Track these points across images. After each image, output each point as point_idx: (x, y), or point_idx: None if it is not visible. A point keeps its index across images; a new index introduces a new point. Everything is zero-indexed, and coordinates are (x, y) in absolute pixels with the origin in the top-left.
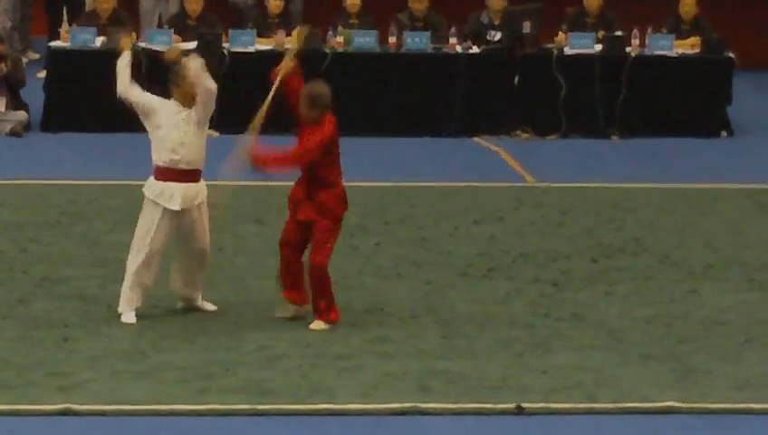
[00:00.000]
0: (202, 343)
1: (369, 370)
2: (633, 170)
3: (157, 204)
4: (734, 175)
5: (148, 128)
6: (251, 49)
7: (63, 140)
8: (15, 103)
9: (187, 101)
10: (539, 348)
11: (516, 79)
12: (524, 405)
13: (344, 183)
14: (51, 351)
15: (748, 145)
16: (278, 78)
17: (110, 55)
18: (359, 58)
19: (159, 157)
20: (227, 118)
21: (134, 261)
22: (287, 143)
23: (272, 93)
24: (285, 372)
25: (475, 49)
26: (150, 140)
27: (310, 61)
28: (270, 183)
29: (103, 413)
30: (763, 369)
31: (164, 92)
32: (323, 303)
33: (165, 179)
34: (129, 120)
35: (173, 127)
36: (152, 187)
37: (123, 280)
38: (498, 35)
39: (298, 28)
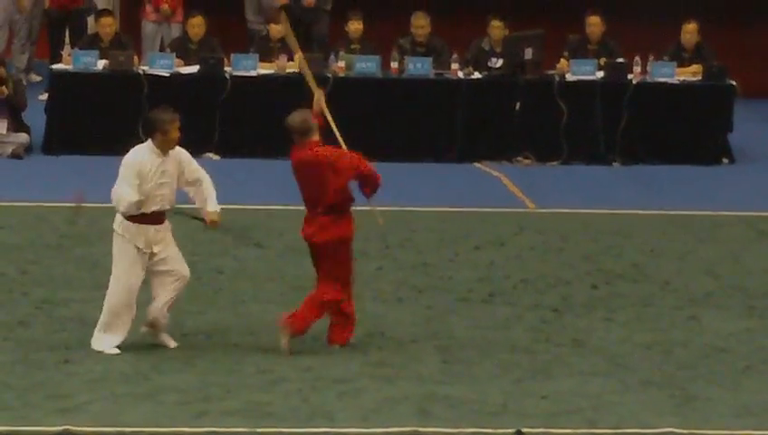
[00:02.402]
0: (202, 366)
1: (370, 394)
2: (634, 197)
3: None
4: (735, 202)
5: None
6: (253, 73)
7: (65, 163)
8: (17, 126)
9: (166, 149)
10: (539, 374)
11: (518, 105)
12: (524, 430)
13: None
14: (51, 373)
15: (749, 172)
16: (323, 109)
17: (113, 78)
18: (360, 83)
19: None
20: (228, 141)
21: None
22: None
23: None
24: (285, 396)
25: (477, 75)
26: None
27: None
28: (270, 207)
29: None
30: (764, 396)
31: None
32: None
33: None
34: (130, 143)
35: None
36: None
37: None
38: (500, 62)
39: (299, 55)
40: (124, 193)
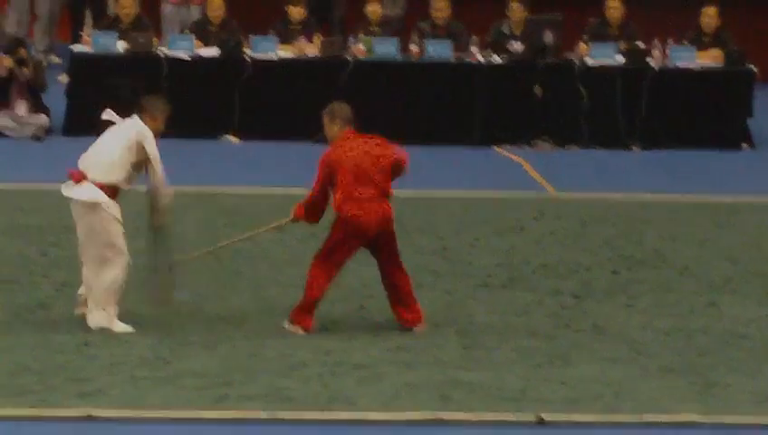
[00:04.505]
0: (222, 351)
1: (390, 379)
2: (654, 182)
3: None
4: (755, 187)
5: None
6: (272, 56)
7: (85, 145)
8: (37, 107)
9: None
10: (559, 359)
11: (537, 89)
12: (545, 416)
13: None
14: (71, 356)
15: None
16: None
17: (133, 60)
18: (380, 66)
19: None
20: (248, 124)
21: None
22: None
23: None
24: (305, 381)
25: (497, 59)
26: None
27: (331, 68)
28: (290, 191)
29: (123, 419)
30: None
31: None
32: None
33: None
34: None
35: None
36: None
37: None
38: (519, 45)
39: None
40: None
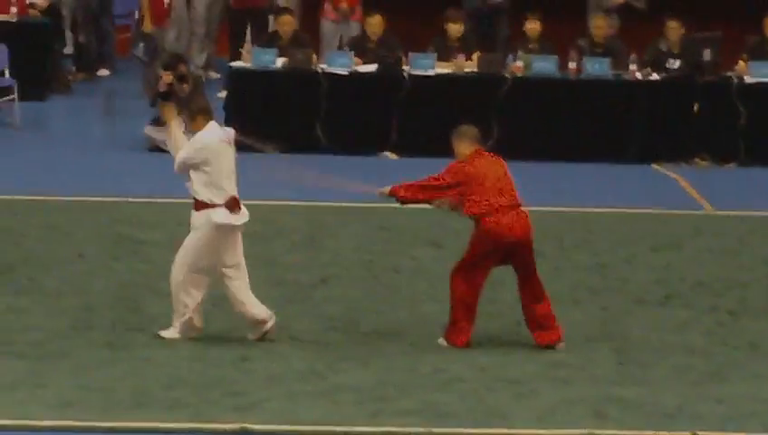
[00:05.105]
0: (378, 365)
1: (545, 395)
2: None
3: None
4: None
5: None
6: (430, 72)
7: (242, 160)
8: None
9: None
10: (714, 377)
11: (696, 106)
12: (700, 433)
13: (524, 208)
14: (228, 370)
15: None
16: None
17: (291, 76)
18: (538, 83)
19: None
20: (406, 140)
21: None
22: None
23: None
24: (461, 396)
25: (655, 76)
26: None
27: (489, 85)
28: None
29: (280, 433)
30: None
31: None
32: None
33: None
34: (308, 141)
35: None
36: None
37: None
38: (677, 63)
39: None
40: None
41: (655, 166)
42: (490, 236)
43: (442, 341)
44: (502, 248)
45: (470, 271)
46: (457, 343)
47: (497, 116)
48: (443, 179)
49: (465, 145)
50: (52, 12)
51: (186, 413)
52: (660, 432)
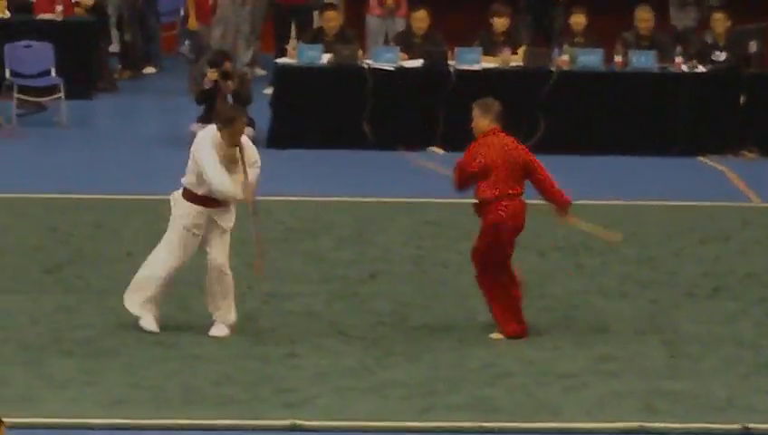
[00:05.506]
0: (427, 361)
1: (594, 388)
2: None
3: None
4: None
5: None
6: (476, 67)
7: (289, 157)
8: None
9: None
10: (765, 369)
11: (742, 98)
12: (751, 426)
13: (574, 201)
14: (277, 367)
15: None
16: None
17: (337, 72)
18: (584, 76)
19: None
20: (452, 135)
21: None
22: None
23: None
24: (510, 390)
25: (701, 68)
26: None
27: (535, 79)
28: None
29: (330, 429)
30: None
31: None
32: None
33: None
34: (355, 137)
35: None
36: None
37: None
38: (723, 55)
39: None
40: None
41: (701, 158)
42: (501, 226)
43: (495, 335)
44: (513, 235)
45: (489, 263)
46: (513, 332)
47: (543, 110)
48: (471, 162)
49: (486, 121)
50: (97, 10)
51: (235, 410)
52: (710, 425)
